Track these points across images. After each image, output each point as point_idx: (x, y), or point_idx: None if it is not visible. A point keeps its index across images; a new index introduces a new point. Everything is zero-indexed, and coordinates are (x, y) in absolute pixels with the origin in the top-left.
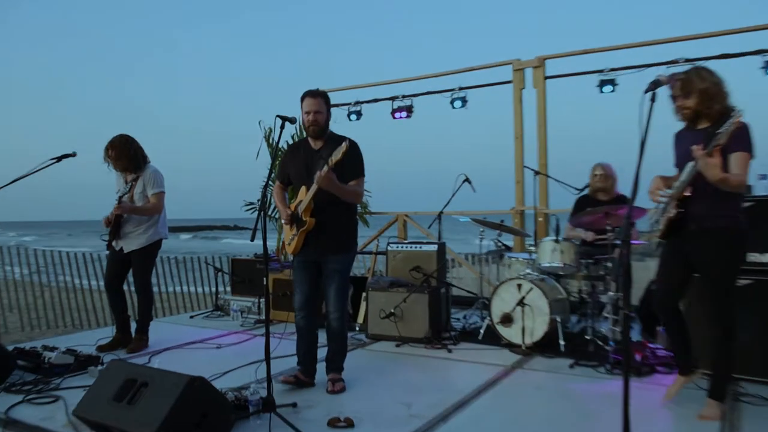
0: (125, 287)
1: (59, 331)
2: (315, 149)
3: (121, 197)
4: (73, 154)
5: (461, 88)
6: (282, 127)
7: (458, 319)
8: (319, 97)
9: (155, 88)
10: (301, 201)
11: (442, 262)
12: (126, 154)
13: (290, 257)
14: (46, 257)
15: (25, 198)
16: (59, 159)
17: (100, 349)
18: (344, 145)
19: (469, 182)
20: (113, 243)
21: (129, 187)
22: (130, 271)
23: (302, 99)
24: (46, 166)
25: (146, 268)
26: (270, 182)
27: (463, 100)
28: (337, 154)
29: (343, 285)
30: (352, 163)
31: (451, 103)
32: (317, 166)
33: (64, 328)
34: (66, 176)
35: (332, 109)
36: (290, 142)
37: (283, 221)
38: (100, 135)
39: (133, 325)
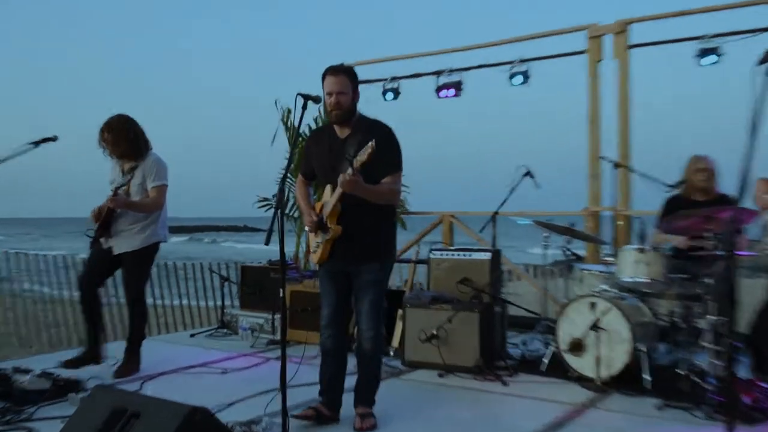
0: (109, 299)
1: (33, 350)
2: (341, 138)
3: (117, 189)
4: (54, 138)
5: (522, 61)
6: (304, 107)
7: (516, 345)
8: (342, 75)
9: (147, 59)
10: (325, 203)
11: (497, 273)
12: (125, 138)
13: (313, 265)
14: (19, 261)
15: None
16: (37, 144)
17: (66, 365)
18: (370, 145)
19: (532, 176)
20: (101, 240)
21: (127, 178)
22: (116, 279)
23: (323, 77)
24: (22, 153)
25: (140, 275)
26: (289, 174)
27: (525, 75)
28: (362, 155)
29: (378, 299)
30: (387, 155)
31: (510, 78)
32: (342, 161)
33: (39, 346)
34: (45, 165)
35: (364, 87)
36: (312, 126)
37: (306, 227)
38: (86, 117)
39: (114, 346)
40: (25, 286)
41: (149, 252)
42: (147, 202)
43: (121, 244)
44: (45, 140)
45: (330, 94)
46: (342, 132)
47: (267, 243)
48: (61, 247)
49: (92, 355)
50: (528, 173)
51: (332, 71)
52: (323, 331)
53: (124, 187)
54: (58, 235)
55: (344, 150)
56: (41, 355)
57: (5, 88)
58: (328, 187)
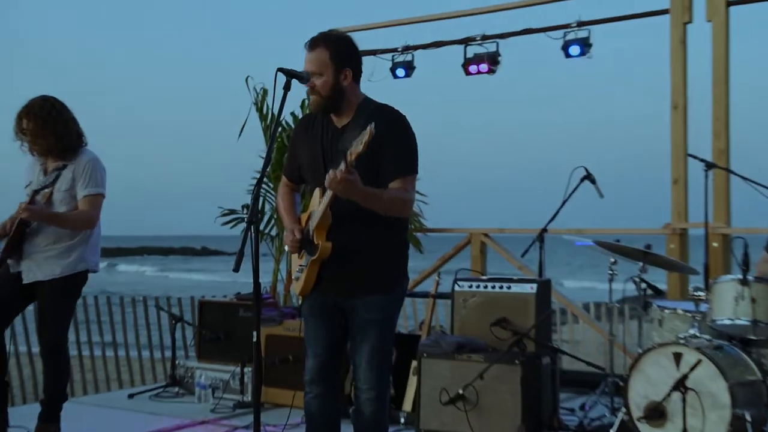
0: (17, 346)
1: None
2: (338, 126)
3: (34, 193)
4: None
5: (581, 24)
6: (286, 87)
7: (572, 411)
8: (319, 48)
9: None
10: (312, 213)
11: (546, 313)
12: (51, 129)
13: (296, 298)
14: None
15: None
16: None
17: None
18: (368, 129)
19: (593, 181)
20: (10, 262)
21: (51, 180)
22: (26, 318)
23: None
24: None
25: (61, 314)
26: (266, 178)
27: (584, 44)
28: (358, 144)
29: (382, 346)
30: (396, 150)
31: (564, 48)
32: (338, 157)
33: None
34: None
35: (368, 60)
36: (298, 114)
37: (286, 246)
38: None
39: (35, 408)
40: None
41: (74, 283)
42: (76, 216)
43: (35, 270)
44: None
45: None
46: (339, 119)
47: (237, 269)
48: None
49: None
50: (588, 177)
51: (308, 44)
52: (307, 389)
53: (45, 191)
54: None
55: (342, 141)
56: None
57: None
58: (317, 192)
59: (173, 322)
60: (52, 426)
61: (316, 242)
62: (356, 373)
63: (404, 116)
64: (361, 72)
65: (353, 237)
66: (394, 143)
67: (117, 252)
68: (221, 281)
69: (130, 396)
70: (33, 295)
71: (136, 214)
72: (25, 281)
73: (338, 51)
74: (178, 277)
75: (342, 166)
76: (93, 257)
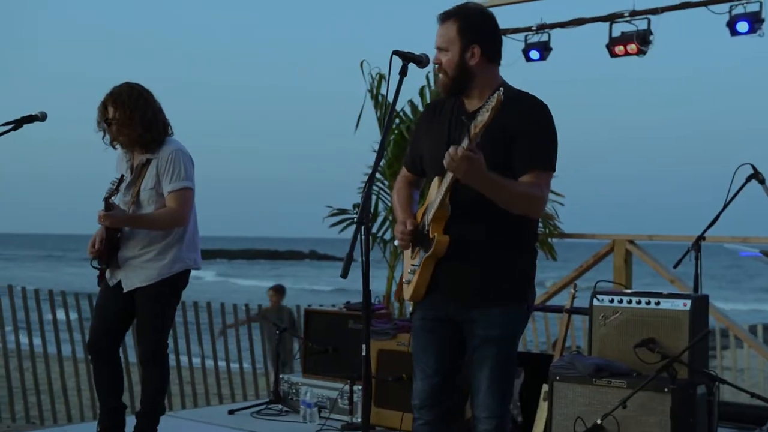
0: (123, 352)
1: (3, 427)
2: (468, 111)
3: (108, 198)
4: (42, 117)
5: None
6: (402, 72)
7: None
8: (450, 21)
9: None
10: (429, 205)
11: (702, 334)
12: (140, 119)
13: (409, 308)
14: None
15: None
16: (18, 124)
17: None
18: (496, 95)
19: (761, 180)
20: (107, 275)
21: (133, 178)
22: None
23: None
24: None
25: (160, 318)
26: (379, 174)
27: (754, 19)
28: (483, 113)
29: (506, 366)
30: (533, 140)
31: (730, 24)
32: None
33: (11, 422)
34: (32, 154)
35: (503, 40)
36: (416, 102)
37: (397, 242)
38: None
39: (130, 421)
40: None
41: (171, 286)
42: (163, 215)
43: (132, 277)
44: (27, 119)
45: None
46: (471, 102)
47: (344, 275)
48: (63, 273)
49: None
50: (755, 176)
51: (440, 17)
52: (416, 415)
53: (128, 195)
54: (55, 259)
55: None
56: None
57: None
58: (435, 181)
59: (277, 332)
60: None
61: (431, 236)
62: (474, 399)
63: (546, 106)
64: (496, 51)
65: (475, 235)
66: (532, 133)
67: (218, 254)
68: (325, 292)
69: (231, 412)
70: (134, 304)
71: (243, 213)
72: (126, 290)
73: (468, 25)
74: (238, 283)
75: (465, 142)
76: (191, 254)
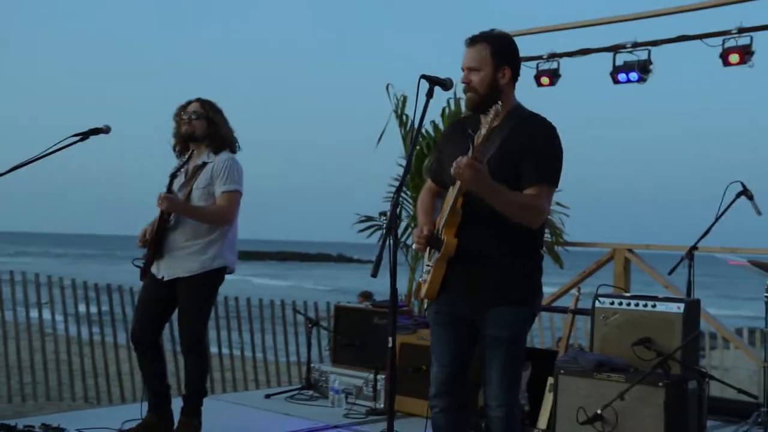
0: (166, 341)
1: (64, 405)
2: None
3: (175, 172)
4: (106, 129)
5: (742, 30)
6: (429, 95)
7: None
8: (480, 44)
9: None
10: (443, 211)
11: (694, 335)
12: (221, 120)
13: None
14: (52, 288)
15: (33, 195)
16: (85, 136)
17: None
18: (494, 107)
19: (749, 197)
20: (153, 267)
21: (187, 179)
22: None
23: None
24: (65, 147)
25: (199, 310)
26: (405, 185)
27: (745, 52)
28: (484, 125)
29: (513, 364)
30: (540, 156)
31: (723, 56)
32: (485, 156)
33: (72, 401)
34: (93, 167)
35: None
36: (438, 122)
37: (414, 245)
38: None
39: (176, 403)
40: (58, 322)
41: (211, 280)
42: (213, 210)
43: (175, 266)
44: (94, 131)
45: (462, 70)
46: (489, 122)
47: (374, 274)
48: (113, 271)
49: (159, 425)
50: (744, 192)
51: (468, 41)
52: (433, 403)
53: (183, 190)
54: (105, 257)
55: (486, 145)
56: (75, 412)
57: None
58: (450, 192)
59: (309, 326)
60: (195, 419)
61: (442, 238)
62: (486, 390)
63: (554, 127)
64: (518, 75)
65: (484, 240)
66: (539, 150)
67: (253, 255)
68: (352, 289)
69: (267, 396)
70: (176, 295)
71: (277, 218)
72: (166, 278)
73: (500, 47)
74: (314, 280)
75: (471, 152)
76: (230, 255)
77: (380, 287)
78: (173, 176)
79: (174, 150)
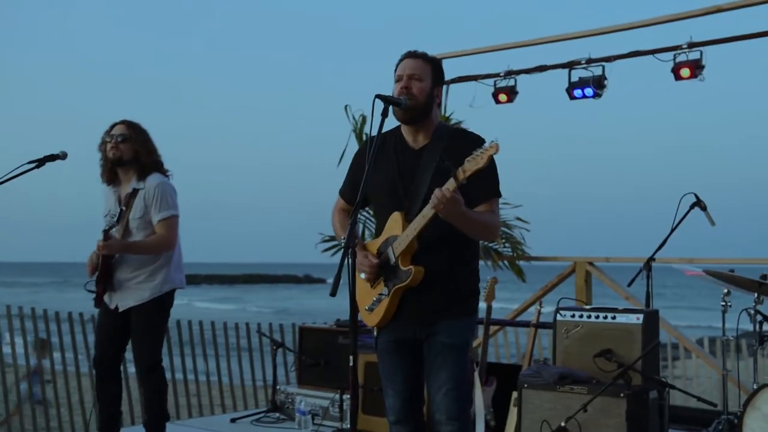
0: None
1: None
2: (414, 147)
3: (107, 230)
4: (63, 156)
5: (692, 45)
6: (384, 113)
7: None
8: (421, 60)
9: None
10: (390, 239)
11: (653, 345)
12: (144, 142)
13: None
14: (11, 319)
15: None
16: (41, 162)
17: None
18: (493, 144)
19: (703, 208)
20: (105, 298)
21: (121, 210)
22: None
23: (397, 65)
24: (20, 174)
25: (153, 335)
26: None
27: (695, 66)
28: (478, 159)
29: (462, 373)
30: (482, 174)
31: (674, 71)
32: (421, 179)
33: None
34: (45, 193)
35: (468, 85)
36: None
37: (361, 273)
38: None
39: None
40: (19, 353)
41: (162, 303)
42: (154, 242)
43: (126, 297)
44: (50, 158)
45: (400, 78)
46: (416, 140)
47: (333, 293)
48: (71, 298)
49: None
50: (698, 204)
51: (410, 54)
52: (394, 430)
53: (117, 227)
54: (62, 284)
55: (422, 163)
56: None
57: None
58: (396, 216)
59: (274, 347)
60: None
61: (404, 268)
62: (433, 406)
63: (484, 140)
64: (441, 101)
65: (439, 264)
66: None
67: (220, 279)
68: (320, 306)
69: (233, 420)
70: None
71: (239, 240)
72: (121, 310)
73: (437, 70)
74: (284, 300)
75: (451, 185)
76: (178, 275)
77: (337, 306)
78: (106, 231)
79: (102, 179)
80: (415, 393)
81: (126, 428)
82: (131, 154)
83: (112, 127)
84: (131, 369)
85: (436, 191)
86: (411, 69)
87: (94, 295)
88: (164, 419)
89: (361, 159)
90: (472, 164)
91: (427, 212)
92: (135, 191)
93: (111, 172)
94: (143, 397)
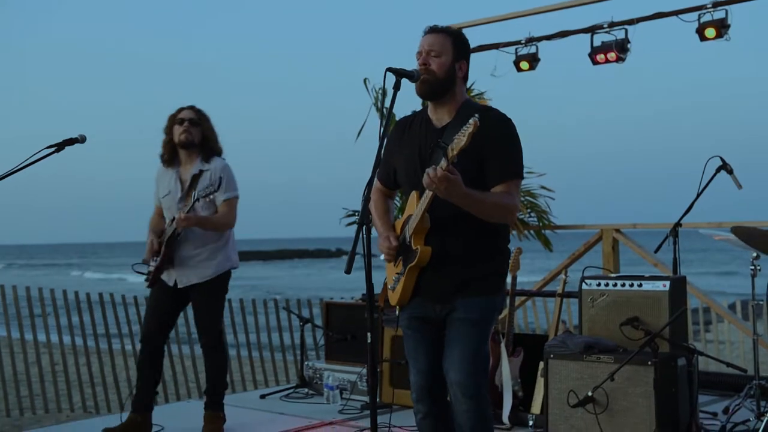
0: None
1: (63, 416)
2: (437, 126)
3: (185, 204)
4: (81, 139)
5: (716, 4)
6: (396, 87)
7: (714, 415)
8: (443, 34)
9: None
10: (409, 218)
11: (681, 311)
12: (210, 127)
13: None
14: (43, 298)
15: (11, 208)
16: (60, 147)
17: None
18: (473, 121)
19: (729, 171)
20: (164, 275)
21: (187, 188)
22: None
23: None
24: (41, 158)
25: (217, 312)
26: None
27: (720, 26)
28: (461, 137)
29: (477, 349)
30: (502, 153)
31: (699, 31)
32: (440, 155)
33: (70, 412)
34: (73, 174)
35: (488, 54)
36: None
37: (381, 256)
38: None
39: (162, 411)
40: (55, 333)
41: (223, 282)
42: (220, 219)
43: (189, 274)
44: (69, 142)
45: (419, 53)
46: (440, 117)
47: (348, 270)
48: (104, 279)
49: (141, 426)
50: (723, 167)
51: (430, 28)
52: (416, 409)
53: (180, 204)
54: (94, 264)
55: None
56: (75, 423)
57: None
58: (414, 195)
59: (302, 324)
60: (220, 411)
61: (414, 247)
62: (449, 383)
63: (510, 119)
64: (468, 75)
65: (453, 242)
66: (501, 145)
67: (256, 255)
68: (348, 281)
69: (262, 396)
70: (184, 300)
71: (269, 214)
72: (181, 286)
73: (460, 42)
74: (313, 277)
75: (443, 163)
76: (234, 255)
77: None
78: (185, 204)
79: (162, 159)
80: (437, 371)
81: (159, 406)
82: (200, 137)
83: (180, 111)
84: (185, 348)
85: (428, 170)
86: (429, 45)
87: (147, 277)
88: (225, 388)
89: (390, 141)
90: (457, 143)
91: (428, 192)
92: (201, 172)
93: (173, 154)
94: (208, 369)
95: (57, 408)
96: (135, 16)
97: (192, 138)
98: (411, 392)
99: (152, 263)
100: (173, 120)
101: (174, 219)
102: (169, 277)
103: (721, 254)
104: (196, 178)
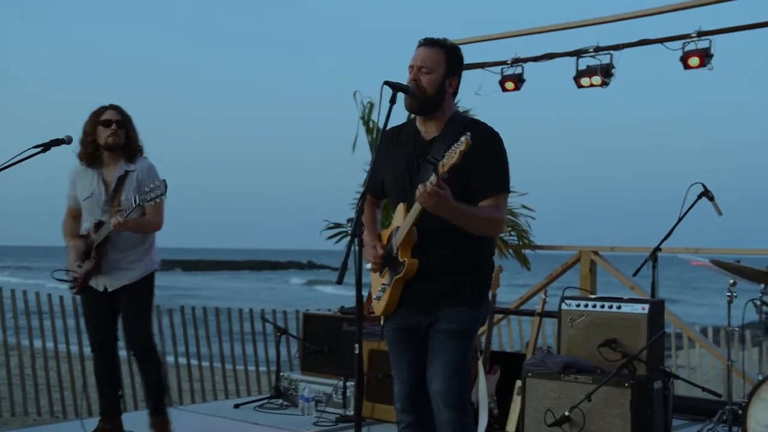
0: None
1: (29, 420)
2: (426, 139)
3: (119, 212)
4: (68, 140)
5: (701, 34)
6: (392, 100)
7: None
8: (436, 48)
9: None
10: (396, 229)
11: (658, 335)
12: (133, 128)
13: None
14: (15, 300)
15: None
16: (46, 147)
17: None
18: (464, 139)
19: (710, 197)
20: (92, 282)
21: (114, 189)
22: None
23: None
24: (26, 158)
25: (147, 314)
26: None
27: (704, 55)
28: (452, 154)
29: (460, 361)
30: (489, 167)
31: (683, 59)
32: (428, 167)
33: (37, 416)
34: (53, 176)
35: (476, 73)
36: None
37: (368, 266)
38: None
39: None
40: (24, 335)
41: (150, 283)
42: (151, 221)
43: (118, 277)
44: (55, 143)
45: (411, 68)
46: (428, 130)
47: (340, 281)
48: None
49: (112, 429)
50: (705, 194)
51: (424, 42)
52: (399, 419)
53: (105, 207)
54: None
55: (429, 155)
56: (41, 427)
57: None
58: (401, 207)
59: (278, 334)
60: (163, 416)
61: (401, 259)
62: (431, 393)
63: (497, 133)
64: (458, 90)
65: (439, 254)
66: (489, 160)
67: (225, 265)
68: (328, 295)
69: (236, 406)
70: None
71: (244, 226)
72: (111, 290)
73: (453, 58)
74: (287, 287)
75: (432, 179)
76: (157, 257)
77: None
78: (121, 210)
79: (80, 159)
80: (421, 381)
81: (129, 412)
82: (125, 138)
83: (104, 110)
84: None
85: (419, 186)
86: (421, 60)
87: (71, 284)
88: (165, 391)
89: (379, 152)
90: (448, 159)
91: (417, 206)
92: (127, 173)
93: (94, 155)
94: (144, 374)
95: (24, 412)
96: (136, 15)
97: (119, 141)
98: (394, 402)
99: (77, 269)
100: (97, 120)
101: (100, 222)
102: (97, 283)
103: (698, 278)
104: (122, 180)
